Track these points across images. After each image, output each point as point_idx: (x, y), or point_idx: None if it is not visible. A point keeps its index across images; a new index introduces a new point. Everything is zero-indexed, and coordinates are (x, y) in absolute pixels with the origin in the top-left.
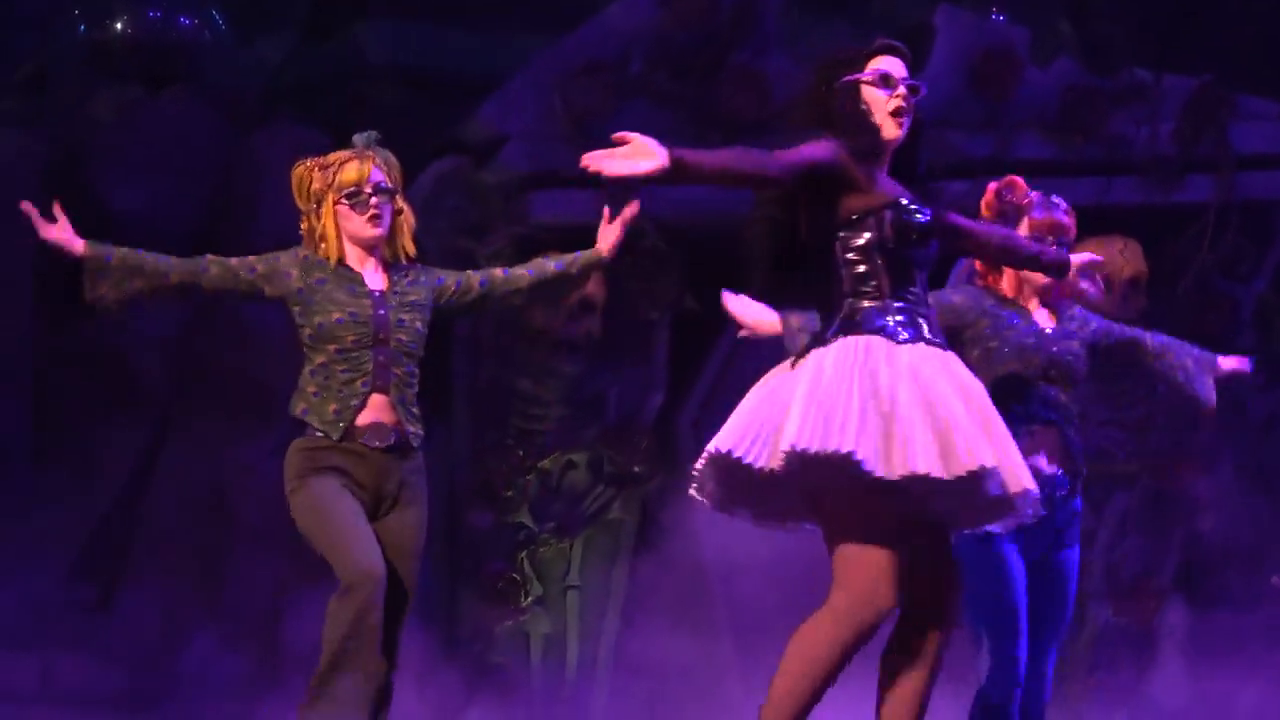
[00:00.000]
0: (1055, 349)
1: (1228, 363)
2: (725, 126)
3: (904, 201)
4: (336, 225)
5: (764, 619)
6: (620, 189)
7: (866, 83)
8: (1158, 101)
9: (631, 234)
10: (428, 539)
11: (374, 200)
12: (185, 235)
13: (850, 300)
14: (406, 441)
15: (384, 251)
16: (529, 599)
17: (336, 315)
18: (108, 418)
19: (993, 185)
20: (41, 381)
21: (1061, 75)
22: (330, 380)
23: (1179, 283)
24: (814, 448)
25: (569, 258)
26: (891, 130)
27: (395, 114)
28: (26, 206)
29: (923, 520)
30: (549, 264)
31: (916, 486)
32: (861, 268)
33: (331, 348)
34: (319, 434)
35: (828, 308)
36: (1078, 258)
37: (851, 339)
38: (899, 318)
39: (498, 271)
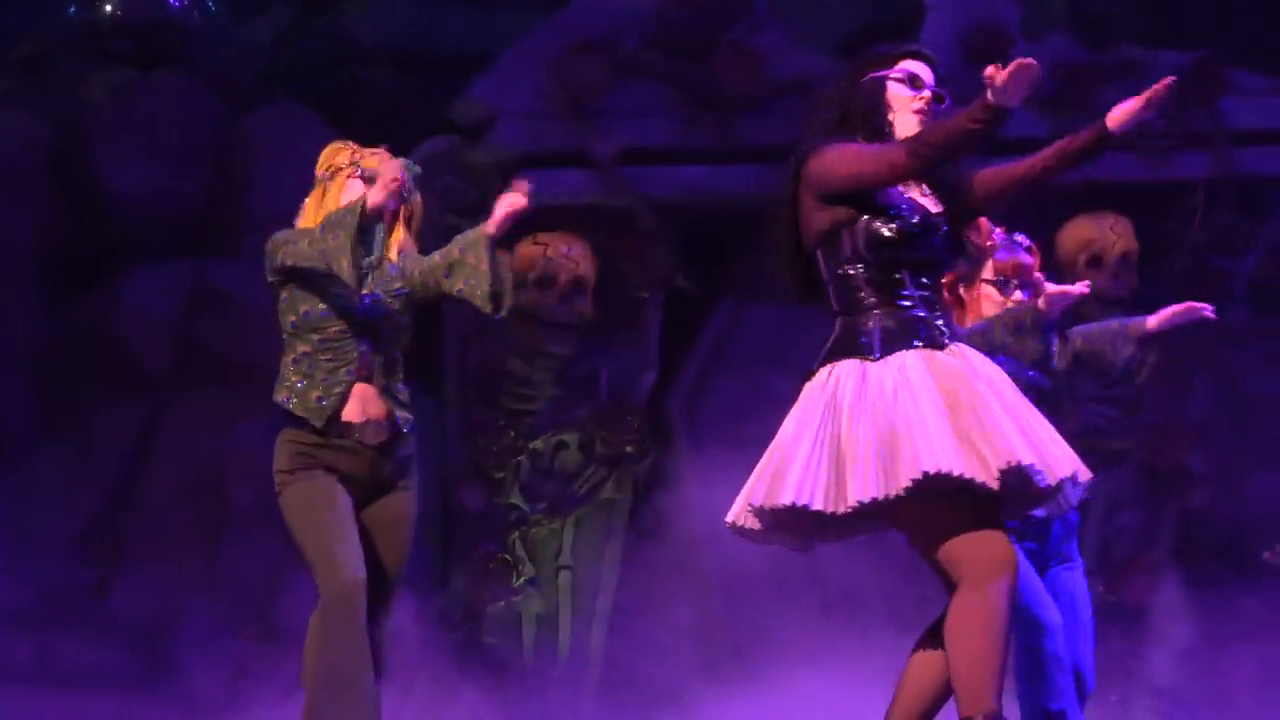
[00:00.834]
0: (1029, 373)
1: (1156, 319)
2: (719, 103)
3: (903, 207)
4: (339, 199)
5: (758, 598)
6: (610, 167)
7: (894, 79)
8: (1150, 77)
9: (624, 214)
10: (419, 520)
11: (394, 183)
12: (182, 214)
13: (841, 319)
14: (399, 430)
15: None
16: (521, 579)
17: (323, 306)
18: (107, 399)
19: None
20: (41, 363)
21: (1054, 51)
22: (314, 370)
23: (1171, 259)
24: (816, 505)
25: (461, 238)
26: (910, 128)
27: (388, 93)
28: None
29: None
30: (453, 247)
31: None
32: (848, 280)
33: (315, 337)
34: (306, 424)
35: (852, 320)
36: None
37: (838, 367)
38: (913, 317)
39: (436, 257)
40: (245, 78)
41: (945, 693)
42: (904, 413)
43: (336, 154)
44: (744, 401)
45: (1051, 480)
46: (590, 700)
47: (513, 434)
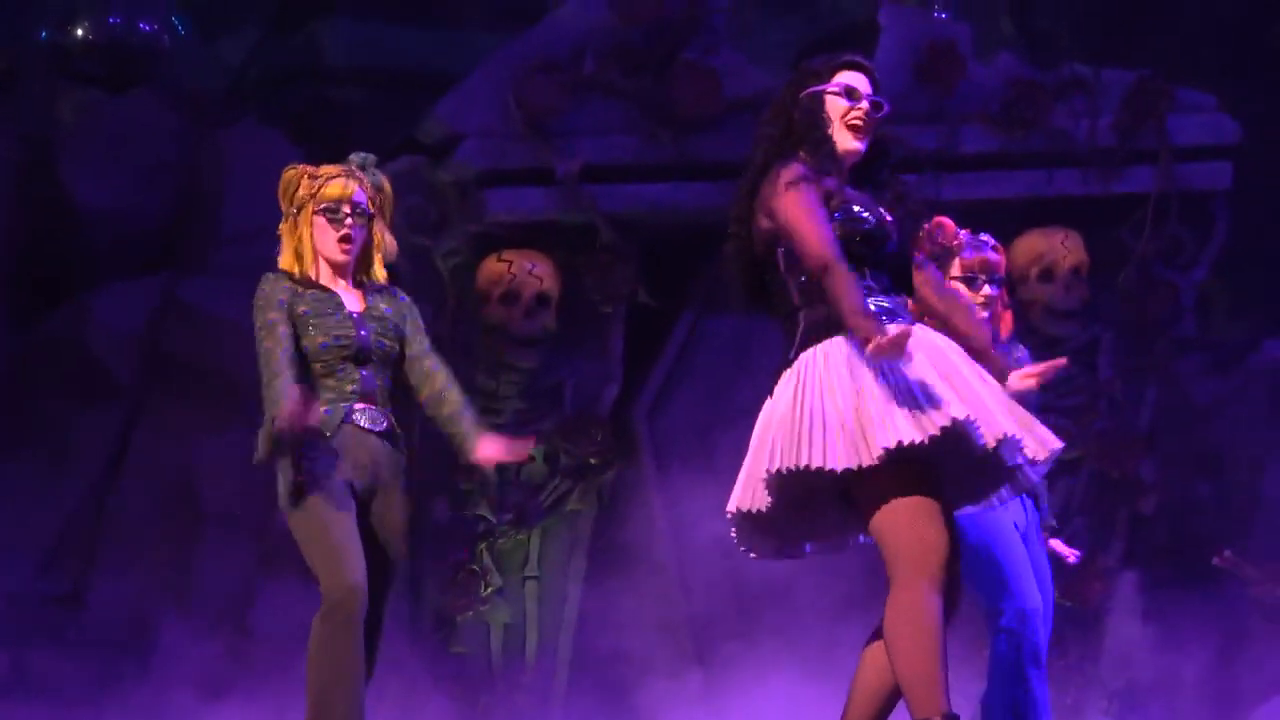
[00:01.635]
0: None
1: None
2: (676, 122)
3: (855, 208)
4: (311, 236)
5: (722, 606)
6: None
7: (831, 94)
8: (1097, 95)
9: (585, 230)
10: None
11: (349, 220)
12: (151, 230)
13: (804, 311)
14: (395, 432)
15: (356, 272)
16: (489, 590)
17: (321, 340)
18: (77, 410)
19: (925, 226)
20: (11, 376)
21: (1004, 70)
22: (320, 389)
23: (1120, 272)
24: (787, 465)
25: (461, 421)
26: (847, 141)
27: (353, 111)
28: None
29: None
30: (457, 408)
31: (909, 456)
32: (806, 276)
33: (316, 365)
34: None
35: (788, 323)
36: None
37: (810, 352)
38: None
39: (441, 376)
40: (213, 95)
41: (896, 693)
42: (889, 382)
43: (297, 184)
44: (706, 411)
45: (989, 440)
46: (558, 707)
47: None
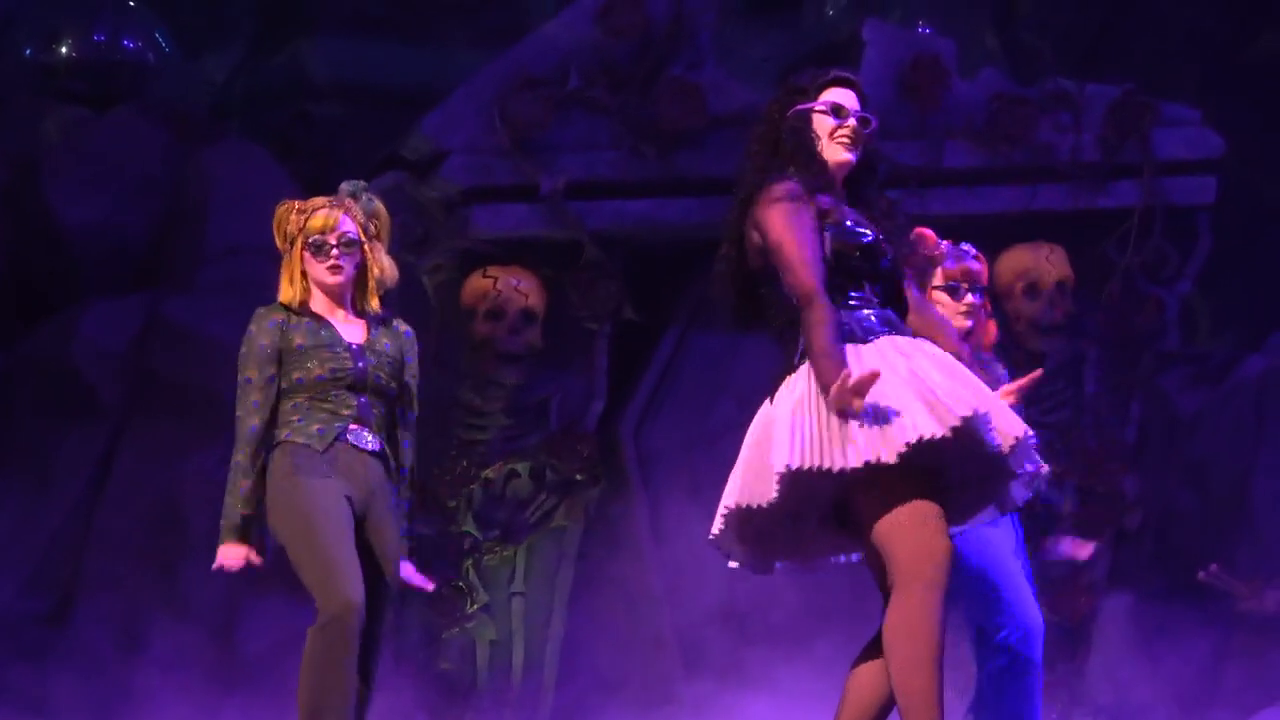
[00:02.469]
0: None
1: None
2: (661, 138)
3: (850, 223)
4: (304, 269)
5: (708, 623)
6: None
7: (818, 112)
8: (1081, 109)
9: (570, 246)
10: None
11: (335, 251)
12: (137, 248)
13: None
14: (387, 454)
15: (354, 301)
16: (475, 606)
17: (317, 372)
18: (61, 427)
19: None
20: None
21: (987, 85)
22: (313, 411)
23: (1105, 286)
24: (807, 464)
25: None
26: (836, 154)
27: (339, 128)
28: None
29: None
30: (400, 513)
31: (922, 458)
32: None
33: (312, 393)
34: (304, 447)
35: (788, 331)
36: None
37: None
38: (859, 315)
39: (408, 454)
40: (198, 113)
41: (888, 704)
42: (899, 383)
43: (287, 220)
44: (692, 427)
45: (1003, 443)
46: None
47: (465, 463)
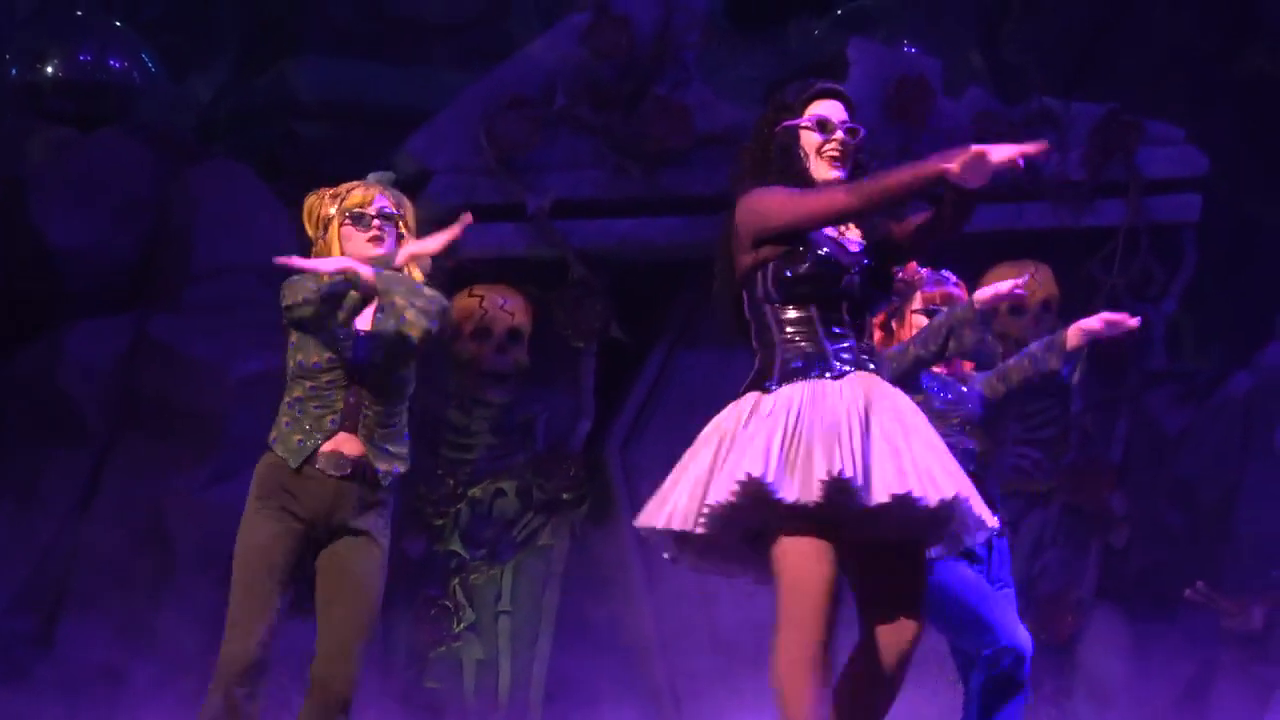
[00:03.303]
0: (969, 405)
1: (1077, 335)
2: (647, 157)
3: (823, 251)
4: (341, 249)
5: (695, 640)
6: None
7: (805, 128)
8: (1067, 128)
9: (557, 265)
10: None
11: (376, 221)
12: (123, 268)
13: (760, 354)
14: (366, 475)
15: None
16: (461, 625)
17: (315, 359)
18: (47, 448)
19: None
20: None
21: (973, 104)
22: (303, 415)
23: (1090, 305)
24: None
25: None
26: (824, 171)
27: (325, 148)
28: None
29: (885, 542)
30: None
31: (837, 501)
32: (762, 316)
33: (308, 384)
34: (281, 456)
35: (765, 355)
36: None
37: (793, 387)
38: (788, 358)
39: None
40: (183, 133)
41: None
42: (743, 435)
43: (321, 206)
44: (679, 445)
45: (877, 498)
46: None
47: (452, 482)
